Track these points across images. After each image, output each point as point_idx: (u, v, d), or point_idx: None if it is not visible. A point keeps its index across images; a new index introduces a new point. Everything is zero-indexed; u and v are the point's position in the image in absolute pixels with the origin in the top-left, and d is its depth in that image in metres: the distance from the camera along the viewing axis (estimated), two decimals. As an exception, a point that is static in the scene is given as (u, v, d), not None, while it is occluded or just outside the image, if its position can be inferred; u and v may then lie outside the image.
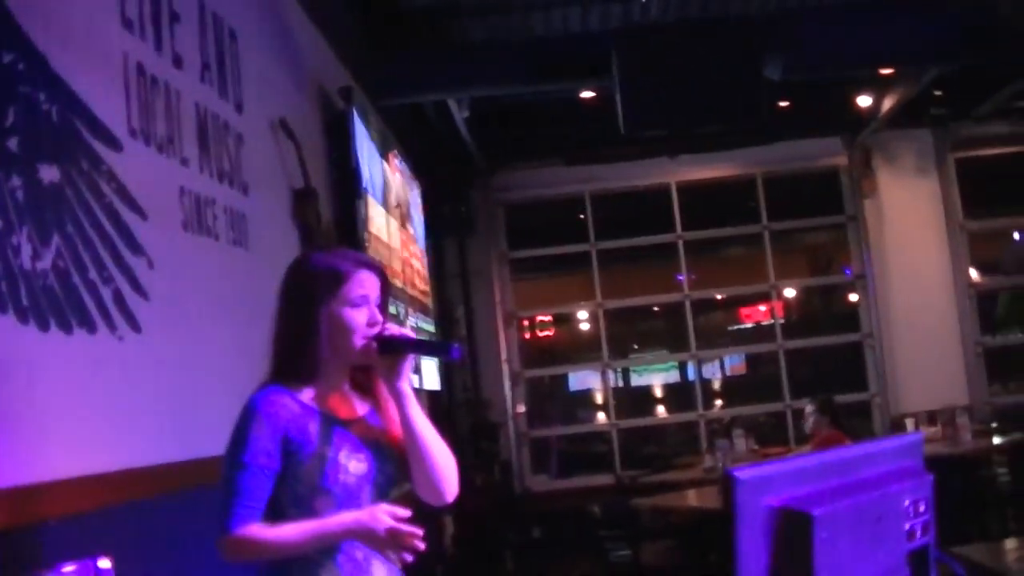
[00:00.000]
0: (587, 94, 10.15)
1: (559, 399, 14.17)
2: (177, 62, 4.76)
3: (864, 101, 11.45)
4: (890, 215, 12.54)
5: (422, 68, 9.05)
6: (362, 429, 3.05)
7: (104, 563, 2.79)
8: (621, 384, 14.05)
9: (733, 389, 13.88)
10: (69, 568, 2.75)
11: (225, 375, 4.51)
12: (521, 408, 12.85)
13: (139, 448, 3.92)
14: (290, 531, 2.87)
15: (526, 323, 13.71)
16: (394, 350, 3.02)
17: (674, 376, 14.15)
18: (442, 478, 3.08)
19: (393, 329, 3.04)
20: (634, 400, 14.05)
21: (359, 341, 3.01)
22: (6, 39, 3.35)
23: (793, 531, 2.01)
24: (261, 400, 2.95)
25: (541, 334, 14.40)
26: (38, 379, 3.33)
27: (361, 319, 3.02)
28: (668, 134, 10.20)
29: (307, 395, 3.00)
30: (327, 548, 2.93)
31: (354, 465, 2.96)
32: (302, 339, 3.00)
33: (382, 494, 3.05)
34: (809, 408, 8.79)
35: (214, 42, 5.30)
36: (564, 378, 14.28)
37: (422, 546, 2.86)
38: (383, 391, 3.12)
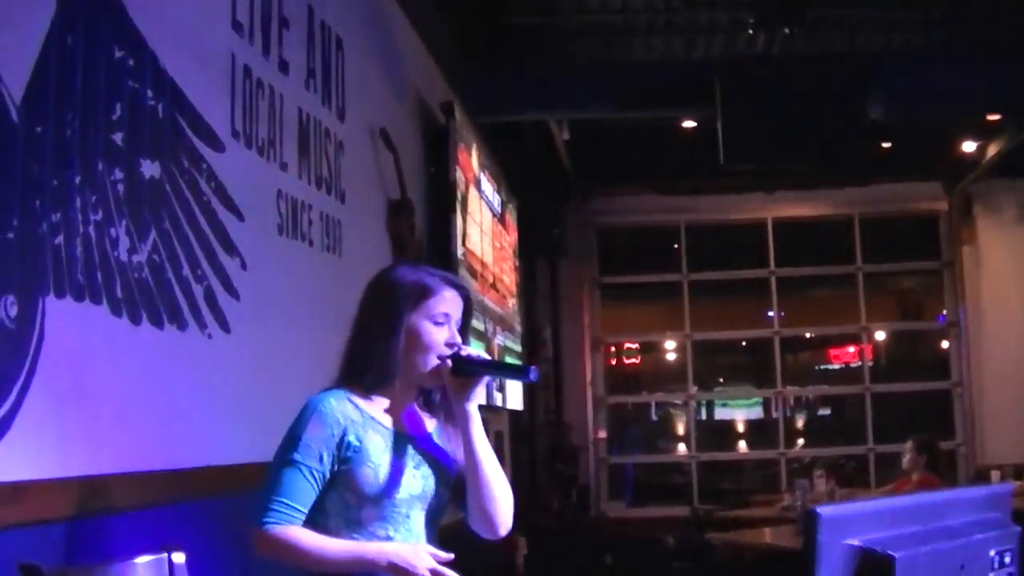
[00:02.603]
0: (688, 123, 10.12)
1: (641, 427, 14.08)
2: (283, 67, 4.82)
3: (968, 147, 11.28)
4: (987, 264, 12.35)
5: (523, 87, 9.06)
6: (425, 446, 2.97)
7: (179, 557, 2.80)
8: (704, 417, 13.94)
9: (816, 430, 13.72)
10: (144, 559, 2.77)
11: (310, 379, 4.52)
12: (602, 433, 12.81)
13: (219, 446, 3.96)
14: (329, 545, 2.78)
15: (612, 349, 13.67)
16: (468, 371, 2.93)
17: (757, 412, 14.01)
18: (497, 509, 2.97)
19: (469, 351, 2.98)
20: (715, 434, 13.93)
21: (434, 360, 2.93)
22: (119, 34, 3.40)
23: (874, 572, 1.98)
24: (321, 400, 2.87)
25: (627, 361, 14.34)
26: (126, 372, 3.37)
27: (440, 337, 2.94)
28: (767, 166, 10.11)
29: (372, 405, 2.92)
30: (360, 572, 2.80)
31: (410, 481, 2.87)
32: (378, 348, 2.92)
33: (431, 518, 2.95)
34: (908, 445, 8.63)
35: (321, 49, 5.35)
36: (647, 406, 14.20)
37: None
38: (451, 412, 3.01)
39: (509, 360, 3.33)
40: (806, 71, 8.12)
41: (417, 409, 3.03)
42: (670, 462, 13.31)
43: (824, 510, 1.96)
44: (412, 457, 2.91)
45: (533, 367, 3.08)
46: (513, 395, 10.15)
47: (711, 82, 8.26)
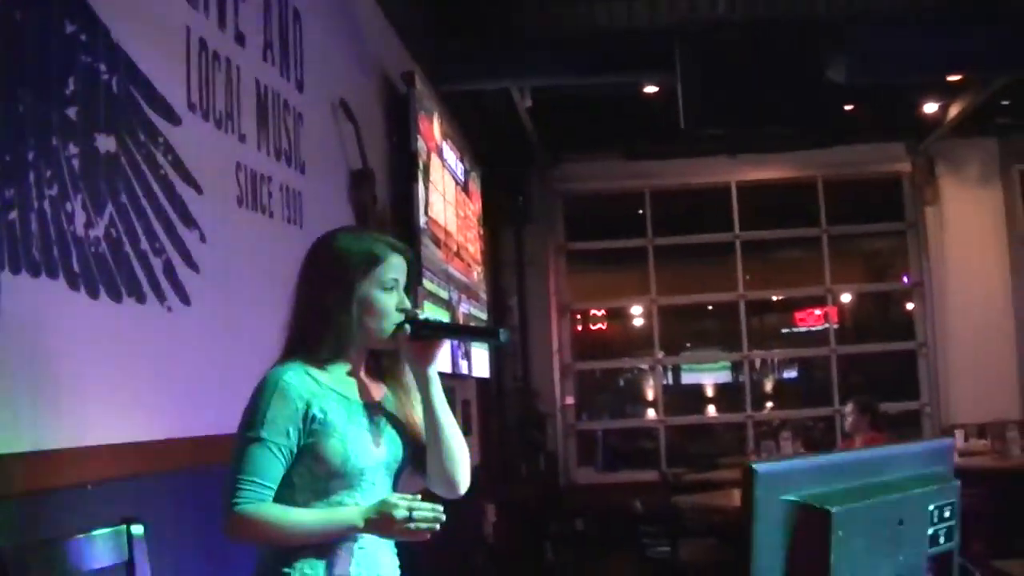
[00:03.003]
0: (650, 89, 10.12)
1: (609, 393, 14.13)
2: (240, 39, 4.81)
3: (929, 108, 11.35)
4: (951, 224, 12.43)
5: (485, 56, 9.07)
6: (382, 413, 3.01)
7: (137, 529, 2.82)
8: (671, 381, 13.99)
9: (784, 392, 13.80)
10: (102, 532, 2.78)
11: (273, 350, 4.53)
12: (570, 400, 12.86)
13: (180, 418, 3.97)
14: (301, 517, 2.80)
15: (579, 316, 13.71)
16: (427, 335, 2.98)
17: (726, 376, 14.07)
18: (458, 470, 3.04)
19: (428, 314, 3.02)
20: (684, 398, 13.99)
21: (389, 325, 2.96)
22: (70, 9, 3.39)
23: (811, 527, 2.01)
24: (282, 375, 2.86)
25: (594, 327, 14.38)
26: (86, 345, 3.38)
27: (391, 303, 2.97)
28: (729, 132, 10.14)
29: (328, 375, 2.94)
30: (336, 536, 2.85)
31: (374, 450, 2.92)
32: (332, 319, 2.94)
33: (394, 480, 3.01)
34: (849, 407, 8.74)
35: (278, 21, 5.34)
36: (615, 372, 14.24)
37: (443, 518, 2.78)
38: (403, 376, 3.08)
39: (478, 323, 3.34)
40: (766, 36, 8.14)
41: (366, 376, 3.06)
42: (640, 427, 13.37)
43: (761, 466, 1.99)
44: (374, 424, 2.95)
45: (503, 328, 3.11)
46: (479, 363, 10.17)
47: (671, 48, 8.27)
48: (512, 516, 10.89)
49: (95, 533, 2.75)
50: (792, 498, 2.03)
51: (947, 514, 2.27)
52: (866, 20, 8.80)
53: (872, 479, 2.19)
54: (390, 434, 2.98)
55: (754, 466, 1.98)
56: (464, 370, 9.21)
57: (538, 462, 11.97)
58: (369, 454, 2.89)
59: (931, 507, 2.24)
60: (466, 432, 10.09)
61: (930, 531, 2.25)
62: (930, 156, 12.38)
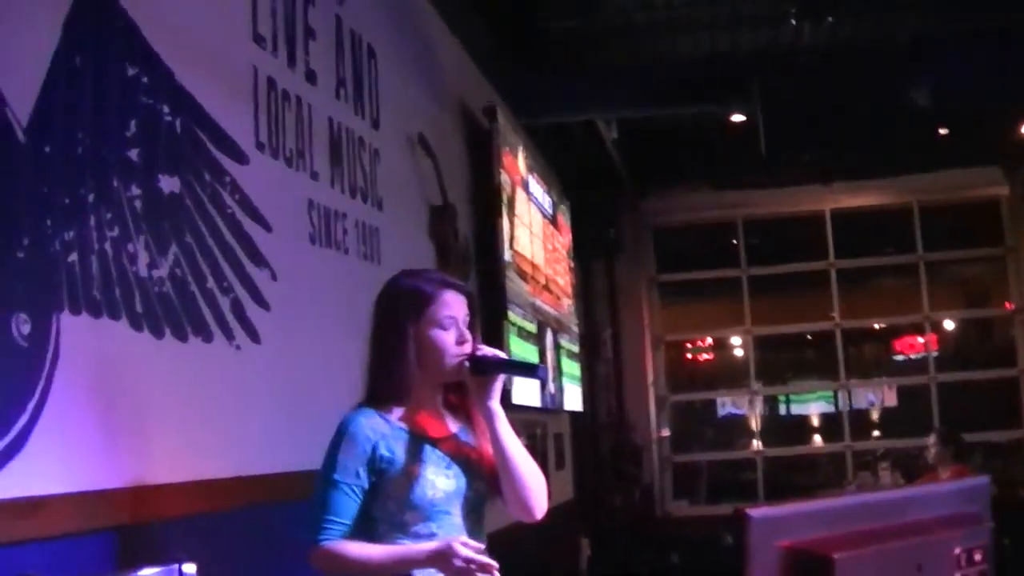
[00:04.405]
0: (738, 118, 10.05)
1: (708, 425, 14.01)
2: (310, 77, 4.84)
3: (1026, 130, 11.10)
4: (1052, 248, 12.17)
5: (566, 87, 9.05)
6: (452, 446, 3.09)
7: (189, 568, 2.83)
8: (769, 411, 13.83)
9: (885, 422, 13.56)
10: (150, 571, 2.79)
11: (347, 388, 4.54)
12: (665, 432, 12.77)
13: (247, 457, 3.98)
14: (374, 552, 2.96)
15: (687, 346, 13.66)
16: (485, 370, 3.06)
17: (826, 407, 13.87)
18: (531, 495, 3.10)
19: (485, 350, 3.06)
20: (783, 429, 13.83)
21: (450, 360, 3.06)
22: (129, 52, 3.43)
23: (810, 575, 1.93)
24: (351, 421, 3.04)
25: (691, 358, 14.29)
26: (150, 385, 3.40)
27: (450, 339, 3.07)
28: (815, 159, 10.03)
29: (397, 415, 3.06)
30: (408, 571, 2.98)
31: (442, 481, 3.02)
32: (391, 361, 3.07)
33: (473, 509, 3.09)
34: (931, 440, 8.50)
35: (351, 58, 5.37)
36: (713, 403, 14.11)
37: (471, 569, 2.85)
38: (472, 408, 3.16)
39: (520, 359, 3.34)
40: (846, 59, 8.04)
41: (441, 411, 3.17)
42: (740, 459, 13.21)
43: (755, 511, 1.92)
44: (441, 458, 3.06)
45: (543, 367, 3.17)
46: (572, 396, 10.14)
47: (752, 76, 8.20)
48: (607, 550, 10.82)
49: (144, 572, 2.76)
50: (791, 544, 1.96)
51: (977, 557, 2.17)
52: (948, 41, 8.61)
53: (886, 522, 2.10)
54: (462, 465, 3.08)
55: (748, 511, 1.91)
56: (551, 404, 9.17)
57: (633, 495, 11.87)
58: (437, 486, 3.01)
59: (958, 550, 2.14)
60: (559, 466, 10.08)
61: (957, 575, 2.16)
62: (1029, 180, 12.12)
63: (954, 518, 2.18)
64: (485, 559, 2.87)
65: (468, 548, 2.85)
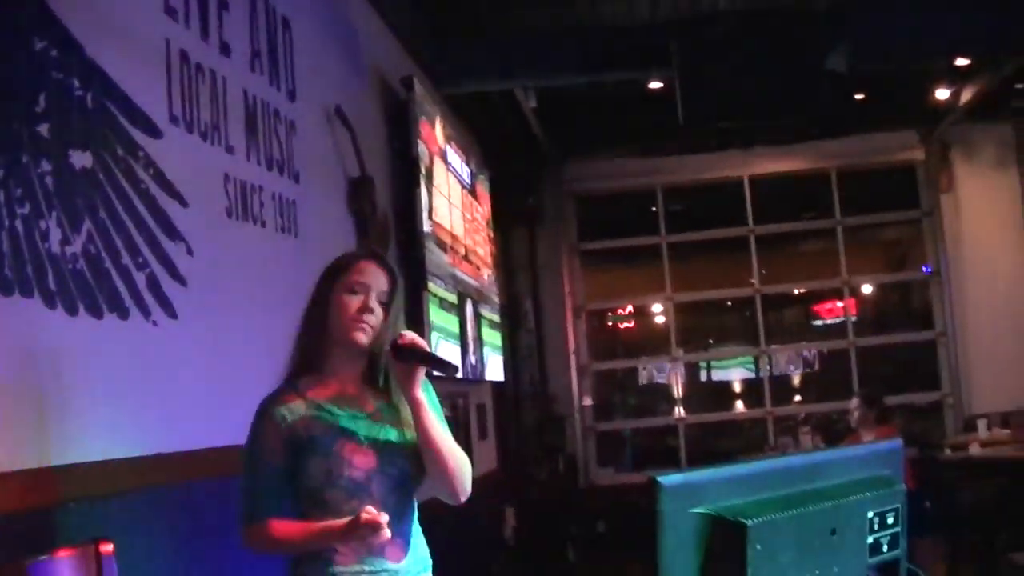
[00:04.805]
0: (655, 85, 10.05)
1: (630, 392, 14.06)
2: (225, 50, 4.78)
3: (941, 94, 11.17)
4: (968, 211, 12.31)
5: (484, 56, 9.00)
6: (371, 424, 3.10)
7: (106, 547, 2.80)
8: (692, 379, 13.92)
9: (806, 386, 13.70)
10: (69, 552, 2.76)
11: (269, 363, 4.52)
12: (588, 401, 12.80)
13: (167, 433, 3.93)
14: (295, 529, 3.03)
15: (608, 314, 13.70)
16: (406, 358, 3.06)
17: (747, 372, 13.98)
18: (456, 482, 3.14)
19: (410, 338, 3.06)
20: (706, 395, 13.93)
21: (347, 324, 3.08)
22: (39, 26, 3.37)
23: (725, 541, 1.93)
24: (268, 401, 3.11)
25: (612, 326, 14.34)
26: (65, 363, 3.35)
27: (354, 304, 3.08)
28: (732, 126, 10.06)
29: (315, 392, 3.10)
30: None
31: (360, 459, 3.04)
32: (311, 330, 3.14)
33: (396, 485, 3.09)
34: (855, 402, 8.58)
35: (266, 30, 5.31)
36: (635, 371, 14.17)
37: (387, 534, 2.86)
38: (395, 387, 3.16)
39: (437, 356, 3.32)
40: (763, 26, 8.04)
41: (362, 387, 3.17)
42: (663, 426, 13.27)
43: (666, 479, 1.92)
44: (361, 435, 3.06)
45: (457, 366, 3.23)
46: (494, 367, 10.15)
47: (670, 42, 8.20)
48: (532, 519, 10.86)
49: (62, 553, 2.73)
50: (704, 511, 1.96)
51: (891, 520, 2.19)
52: (865, 6, 8.65)
53: (798, 488, 2.10)
54: (382, 443, 3.08)
55: (659, 479, 1.91)
56: (473, 375, 9.17)
57: (557, 464, 11.91)
58: (355, 464, 3.03)
59: (871, 514, 2.16)
60: (482, 437, 10.09)
61: (870, 539, 2.17)
62: (944, 143, 12.25)
63: (867, 481, 2.19)
64: (368, 517, 2.85)
65: (370, 514, 2.85)
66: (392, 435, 3.10)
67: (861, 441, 8.07)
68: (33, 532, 3.07)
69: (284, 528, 3.02)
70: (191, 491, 3.96)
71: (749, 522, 1.93)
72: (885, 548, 2.19)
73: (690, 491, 1.94)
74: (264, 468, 3.04)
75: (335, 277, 3.14)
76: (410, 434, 3.11)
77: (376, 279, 3.13)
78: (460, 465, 3.15)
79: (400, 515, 3.06)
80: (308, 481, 3.04)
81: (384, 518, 2.84)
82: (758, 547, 1.93)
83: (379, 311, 3.10)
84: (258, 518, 3.03)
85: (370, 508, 2.88)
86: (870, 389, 8.95)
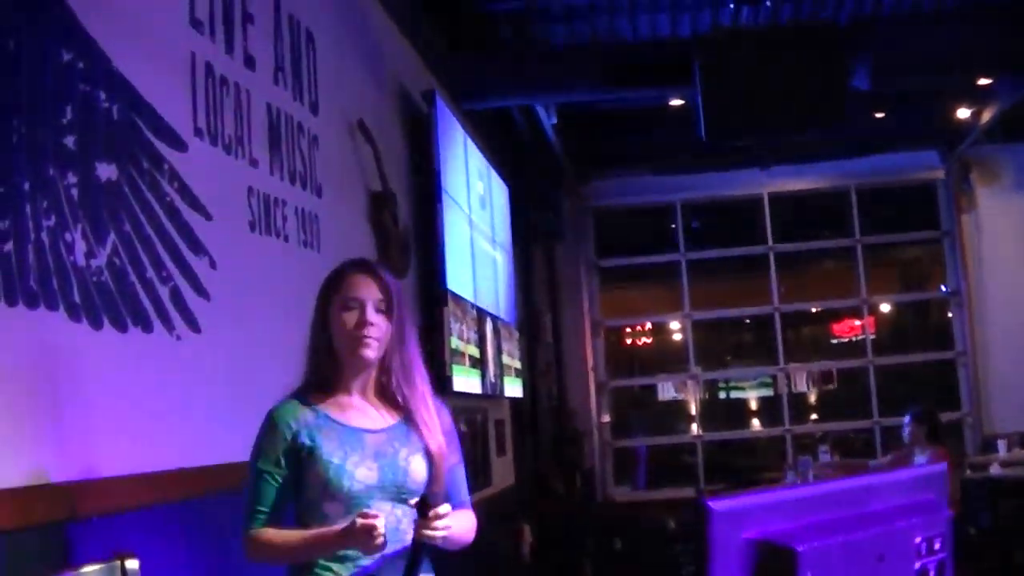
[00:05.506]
0: (676, 102, 10.03)
1: (647, 410, 14.04)
2: (249, 63, 4.77)
3: (963, 114, 11.18)
4: (988, 231, 12.28)
5: (505, 72, 8.99)
6: (378, 440, 3.10)
7: (132, 563, 2.78)
8: (710, 396, 13.89)
9: (824, 404, 13.67)
10: (92, 567, 2.74)
11: (289, 377, 4.50)
12: (606, 417, 12.78)
13: (189, 448, 3.92)
14: (292, 537, 3.03)
15: (627, 330, 13.67)
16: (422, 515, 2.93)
17: (764, 390, 13.95)
18: (463, 546, 3.18)
19: (431, 532, 2.89)
20: (724, 412, 13.91)
21: (347, 343, 3.11)
22: (65, 38, 3.36)
23: (775, 568, 1.90)
24: (274, 410, 3.14)
25: (630, 343, 14.31)
26: (89, 377, 3.33)
27: (351, 320, 3.10)
28: (754, 143, 10.03)
29: (325, 405, 3.12)
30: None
31: (363, 473, 3.03)
32: (318, 348, 3.20)
33: (402, 502, 3.08)
34: (907, 419, 8.52)
35: (289, 44, 5.31)
36: (653, 388, 14.15)
37: (381, 540, 2.83)
38: (417, 406, 3.18)
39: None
40: (785, 43, 8.01)
41: (375, 401, 3.19)
42: (680, 443, 13.25)
43: (716, 503, 1.87)
44: (368, 450, 3.07)
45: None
46: (512, 383, 10.12)
47: (691, 59, 8.18)
48: (549, 535, 10.81)
49: (85, 569, 2.71)
50: (754, 537, 1.92)
51: (937, 546, 2.15)
52: (889, 24, 8.64)
53: (847, 512, 2.07)
54: (388, 461, 3.08)
55: (709, 503, 1.87)
56: (491, 390, 9.13)
57: (574, 481, 11.87)
58: (357, 478, 3.02)
59: (918, 539, 2.12)
60: (500, 452, 10.05)
61: (917, 565, 2.13)
62: (965, 163, 12.24)
63: (912, 507, 2.15)
64: (367, 522, 2.82)
65: (367, 519, 2.83)
66: (399, 453, 3.10)
67: (911, 457, 8.03)
68: (57, 547, 3.05)
69: (280, 536, 3.03)
70: (213, 505, 3.93)
71: (800, 548, 1.90)
72: (931, 574, 2.14)
73: (739, 516, 1.90)
74: (264, 474, 3.06)
75: (329, 294, 3.17)
76: (417, 454, 3.12)
77: (368, 290, 3.13)
78: (467, 540, 3.19)
79: (401, 532, 3.01)
80: (308, 492, 3.05)
81: (380, 522, 2.81)
82: (808, 573, 1.90)
83: (381, 320, 3.12)
84: (256, 524, 3.04)
85: (366, 511, 2.87)
86: (923, 406, 8.85)
